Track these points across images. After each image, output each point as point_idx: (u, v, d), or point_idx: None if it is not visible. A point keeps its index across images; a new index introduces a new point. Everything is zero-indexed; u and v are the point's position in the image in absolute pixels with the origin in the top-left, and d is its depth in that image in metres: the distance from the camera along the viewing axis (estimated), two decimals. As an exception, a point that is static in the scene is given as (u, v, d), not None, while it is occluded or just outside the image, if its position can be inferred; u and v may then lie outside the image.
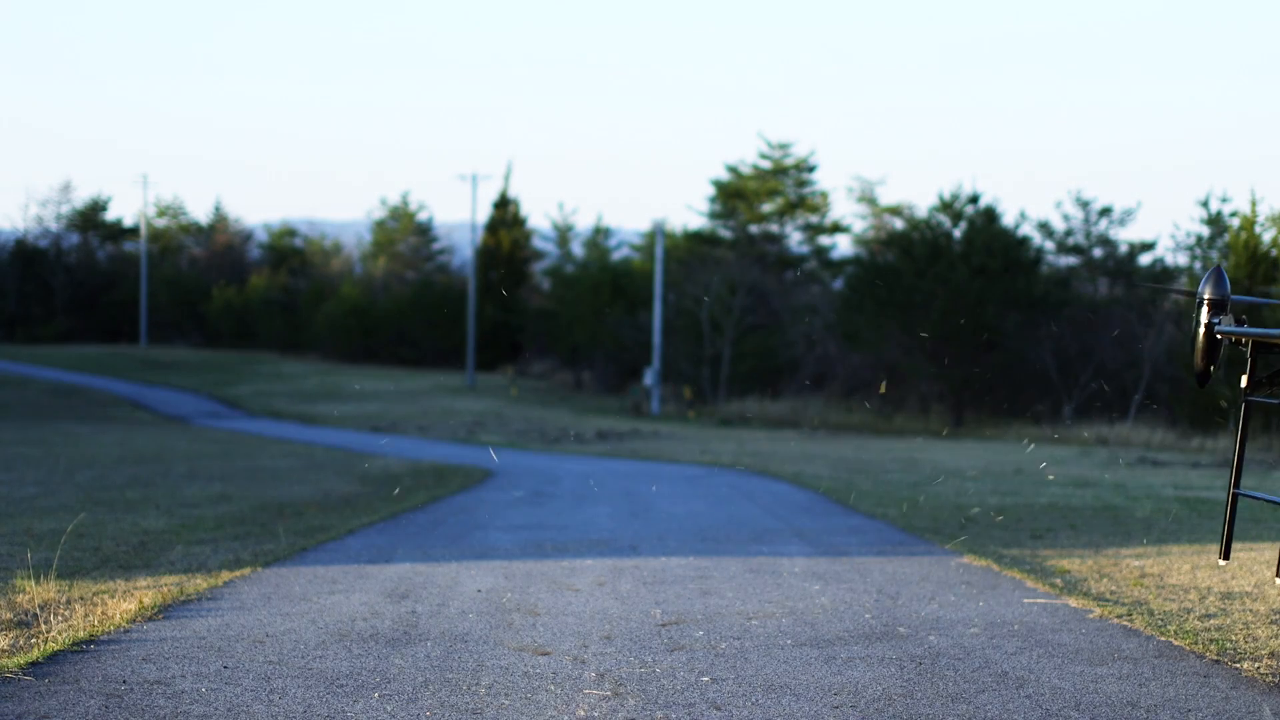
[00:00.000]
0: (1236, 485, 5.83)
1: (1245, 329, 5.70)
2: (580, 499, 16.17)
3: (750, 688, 5.85)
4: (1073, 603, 8.08)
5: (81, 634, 6.62)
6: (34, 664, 5.99)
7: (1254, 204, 37.49)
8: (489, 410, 45.30)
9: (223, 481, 17.23)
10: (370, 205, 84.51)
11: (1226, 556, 5.91)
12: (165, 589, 8.04)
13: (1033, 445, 32.82)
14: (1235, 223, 39.24)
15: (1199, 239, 44.75)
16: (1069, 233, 50.57)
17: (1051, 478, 20.08)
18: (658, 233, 53.62)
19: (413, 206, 78.10)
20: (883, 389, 39.27)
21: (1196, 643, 6.81)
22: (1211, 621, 7.40)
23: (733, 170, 61.97)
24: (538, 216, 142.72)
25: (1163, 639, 6.97)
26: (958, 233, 46.63)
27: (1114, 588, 8.72)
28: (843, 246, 63.10)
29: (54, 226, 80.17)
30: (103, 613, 7.23)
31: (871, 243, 59.08)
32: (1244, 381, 5.77)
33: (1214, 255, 42.67)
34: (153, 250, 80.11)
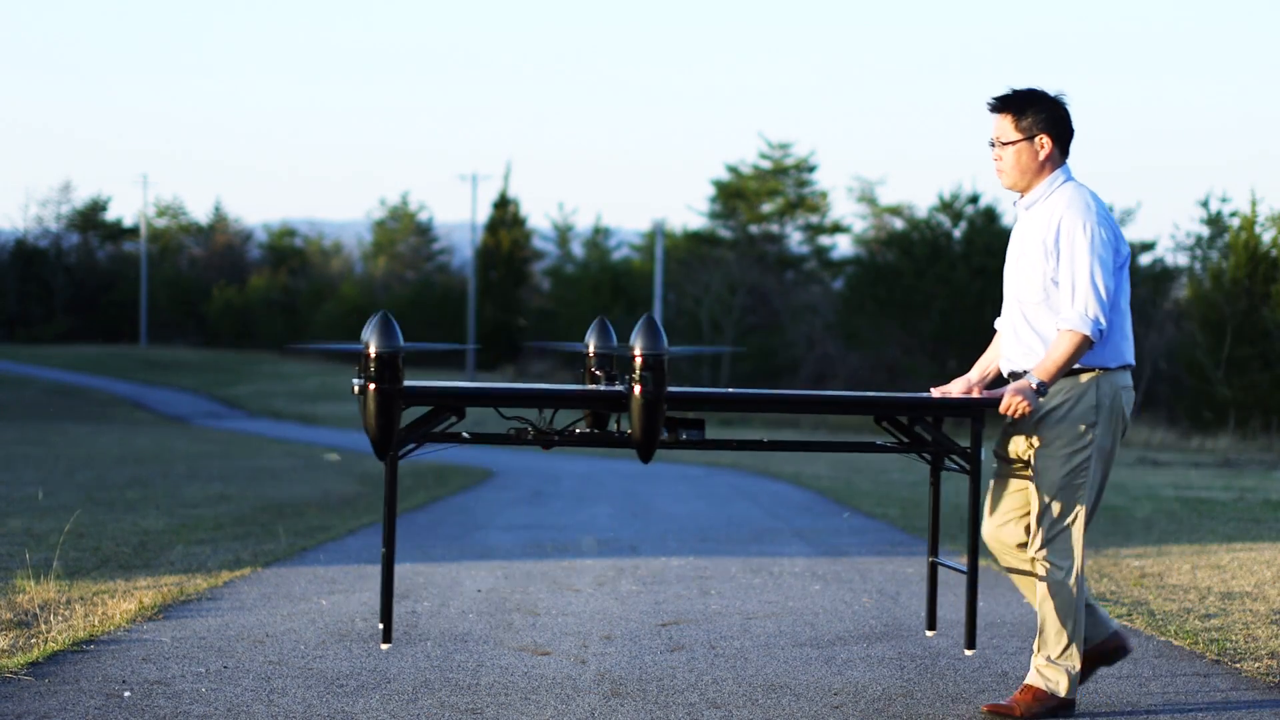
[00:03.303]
0: (390, 552, 5.21)
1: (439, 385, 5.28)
2: (580, 499, 16.17)
3: (750, 688, 5.85)
4: (1073, 603, 8.08)
5: (81, 634, 6.62)
6: (34, 664, 5.99)
7: (1254, 204, 37.46)
8: (489, 410, 45.30)
9: (223, 481, 17.22)
10: (370, 205, 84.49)
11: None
12: (165, 589, 8.04)
13: None
14: (1235, 223, 39.22)
15: (1199, 239, 44.72)
16: (1069, 233, 50.53)
17: None
18: (658, 233, 53.64)
19: (413, 206, 78.02)
20: None
21: (1196, 643, 6.81)
22: (1211, 621, 7.40)
23: (733, 170, 61.95)
24: (538, 216, 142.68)
25: (1163, 639, 6.97)
26: (958, 233, 46.64)
27: (1114, 588, 8.72)
28: (843, 246, 63.04)
29: (54, 226, 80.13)
30: (103, 613, 7.23)
31: (871, 243, 59.03)
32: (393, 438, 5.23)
33: (1214, 255, 42.65)
34: (153, 250, 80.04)
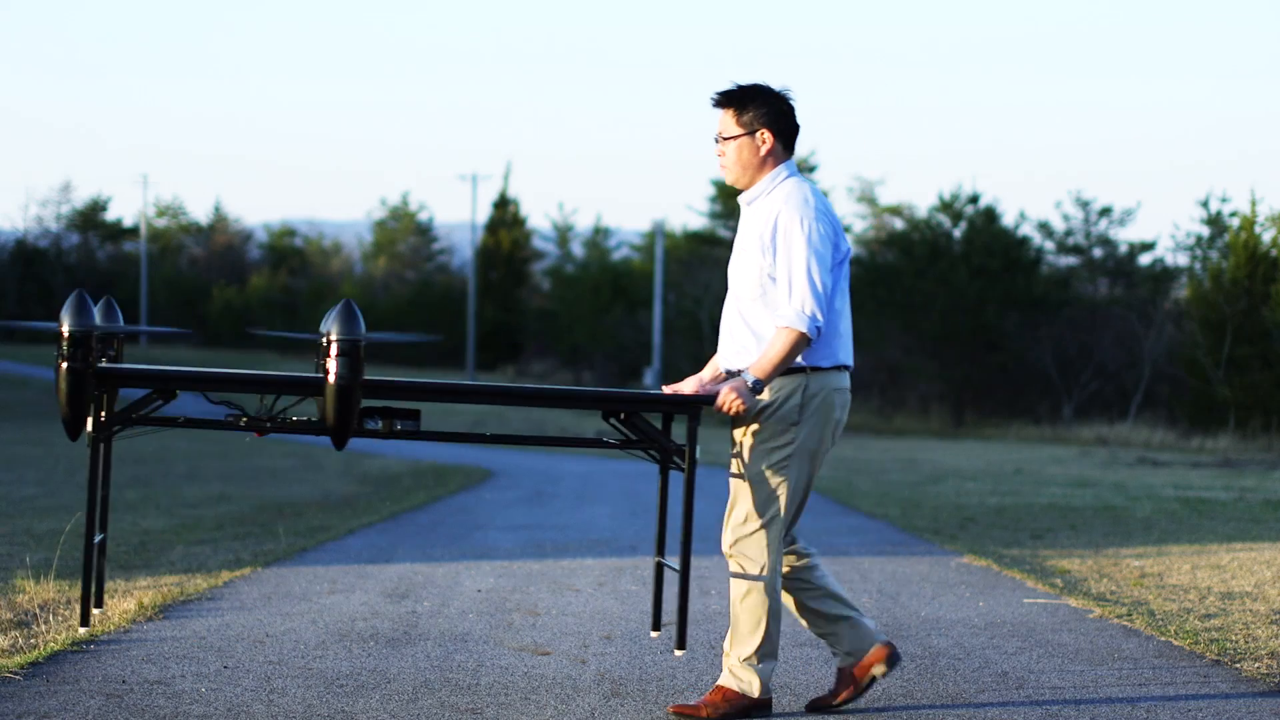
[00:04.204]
0: (91, 535, 5.23)
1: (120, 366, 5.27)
2: (580, 499, 16.17)
3: (750, 688, 5.84)
4: (1073, 603, 8.08)
5: (81, 634, 6.62)
6: (34, 664, 5.99)
7: (1254, 204, 37.46)
8: (489, 410, 45.28)
9: (223, 481, 17.22)
10: (370, 205, 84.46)
11: None
12: (165, 589, 8.04)
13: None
14: (1235, 223, 39.22)
15: (1199, 239, 44.72)
16: (1069, 233, 50.54)
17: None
18: (658, 233, 53.64)
19: (413, 206, 78.03)
20: None
21: (1197, 643, 6.81)
22: (1211, 621, 7.40)
23: (733, 170, 61.94)
24: (538, 216, 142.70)
25: (1163, 639, 6.97)
26: (958, 233, 46.64)
27: (1114, 588, 8.72)
28: (843, 246, 63.00)
29: (54, 226, 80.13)
30: (102, 613, 7.22)
31: (871, 243, 59.04)
32: (97, 420, 5.23)
33: (1214, 255, 42.65)
34: (153, 250, 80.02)
